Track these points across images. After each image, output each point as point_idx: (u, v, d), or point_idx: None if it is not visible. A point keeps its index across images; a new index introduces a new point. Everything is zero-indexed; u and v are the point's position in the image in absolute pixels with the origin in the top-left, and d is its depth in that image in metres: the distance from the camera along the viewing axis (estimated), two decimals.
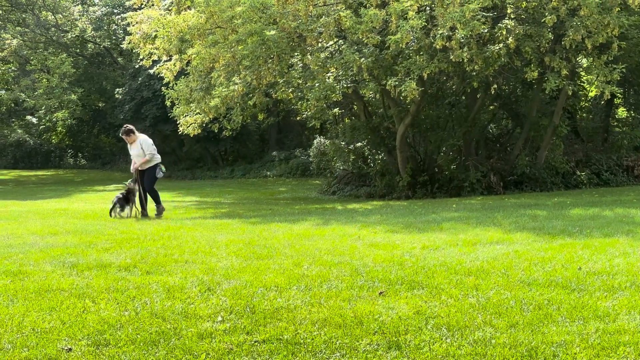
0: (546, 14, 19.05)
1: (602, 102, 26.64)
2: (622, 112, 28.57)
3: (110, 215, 16.89)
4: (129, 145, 17.58)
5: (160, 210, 17.54)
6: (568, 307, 6.72)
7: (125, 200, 17.09)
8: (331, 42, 20.73)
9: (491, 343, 5.73)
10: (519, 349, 5.56)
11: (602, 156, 25.65)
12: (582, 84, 24.87)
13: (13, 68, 42.67)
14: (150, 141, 17.53)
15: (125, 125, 17.94)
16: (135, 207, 17.32)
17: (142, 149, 17.30)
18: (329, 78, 20.74)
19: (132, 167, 17.52)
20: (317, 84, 20.79)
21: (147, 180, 17.44)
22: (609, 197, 19.30)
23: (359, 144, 25.88)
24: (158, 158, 17.70)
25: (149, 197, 17.59)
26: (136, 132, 17.67)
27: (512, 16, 19.01)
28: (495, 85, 22.58)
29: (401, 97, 20.62)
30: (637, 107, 27.65)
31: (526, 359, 5.32)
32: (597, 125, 27.96)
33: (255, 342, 5.93)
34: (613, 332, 5.90)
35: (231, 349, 5.77)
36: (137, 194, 17.29)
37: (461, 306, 6.88)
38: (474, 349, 5.61)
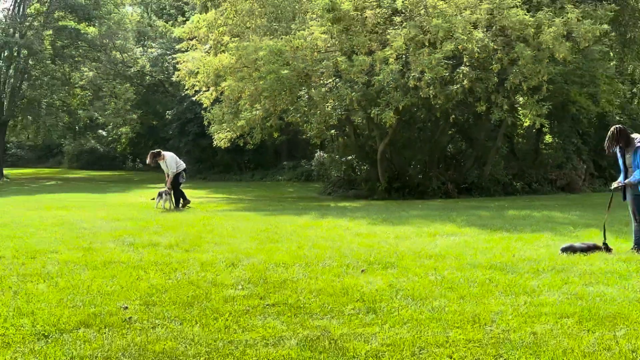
0: (493, 62, 19.07)
1: (534, 130, 26.59)
2: (548, 138, 28.51)
3: (155, 207, 16.72)
4: (161, 162, 17.22)
5: (179, 208, 17.13)
6: (504, 285, 6.73)
7: (161, 195, 16.80)
8: (330, 80, 20.74)
9: (445, 310, 5.74)
10: (466, 315, 5.57)
11: (533, 171, 25.62)
12: (518, 116, 24.82)
13: (89, 94, 42.66)
14: (173, 160, 17.30)
15: (151, 152, 17.68)
16: (172, 201, 17.00)
17: (170, 164, 17.10)
18: (327, 107, 20.76)
19: (167, 182, 17.19)
20: (318, 112, 20.86)
21: (176, 183, 17.24)
22: (537, 202, 19.31)
23: (349, 157, 25.86)
24: (182, 166, 17.50)
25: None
26: (162, 152, 17.45)
27: (467, 64, 19.01)
28: (454, 116, 22.63)
29: (382, 123, 20.59)
30: (559, 134, 27.60)
31: (471, 323, 5.33)
32: (529, 147, 27.94)
33: (266, 305, 5.95)
34: (537, 304, 5.91)
35: (248, 310, 5.78)
36: (171, 194, 16.98)
37: (423, 282, 6.89)
38: (432, 314, 5.62)
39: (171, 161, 17.22)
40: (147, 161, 17.59)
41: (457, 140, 26.75)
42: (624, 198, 9.15)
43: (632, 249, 8.84)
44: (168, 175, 17.17)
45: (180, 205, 17.19)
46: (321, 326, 5.26)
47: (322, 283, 6.83)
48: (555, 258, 8.28)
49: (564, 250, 8.64)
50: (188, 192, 18.33)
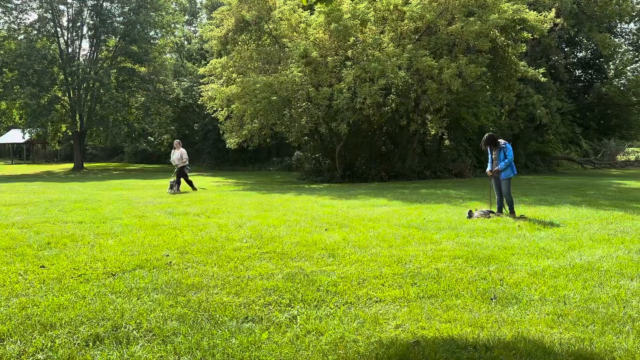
0: (411, 92, 19.17)
1: (437, 137, 26.82)
2: (447, 142, 28.78)
3: (168, 192, 14.71)
4: (173, 151, 15.67)
5: (193, 189, 15.55)
6: (418, 238, 6.81)
7: (174, 183, 15.01)
8: (304, 104, 20.64)
9: (380, 255, 5.79)
10: (393, 258, 5.61)
11: (437, 164, 25.81)
12: (428, 128, 25.01)
13: (141, 112, 41.96)
14: (181, 155, 15.66)
15: (175, 140, 16.56)
16: (178, 189, 15.01)
17: (181, 156, 15.67)
18: (302, 122, 20.69)
19: (176, 165, 15.36)
20: (296, 125, 20.75)
21: (184, 173, 15.72)
22: (439, 184, 19.50)
23: (317, 155, 25.84)
24: (187, 161, 15.87)
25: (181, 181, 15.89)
26: (180, 144, 16.08)
27: (394, 93, 19.08)
28: (385, 127, 22.70)
29: (338, 132, 20.59)
30: (454, 139, 27.83)
31: (396, 262, 5.39)
32: (434, 148, 28.15)
33: (262, 253, 5.94)
34: (439, 250, 6.00)
35: (250, 256, 5.76)
36: (179, 181, 15.42)
37: (365, 237, 6.95)
38: (371, 257, 5.66)
39: (179, 155, 15.64)
40: (175, 143, 16.10)
41: (387, 144, 26.84)
42: (491, 178, 9.34)
43: (496, 212, 9.06)
44: (176, 165, 15.55)
45: (195, 187, 15.81)
46: (298, 266, 5.28)
47: (299, 237, 6.85)
48: (450, 220, 8.41)
49: (470, 215, 8.61)
50: (210, 179, 18.11)
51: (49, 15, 36.99)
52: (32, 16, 66.44)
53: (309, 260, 5.55)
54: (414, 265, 5.24)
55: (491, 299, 4.09)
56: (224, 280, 4.70)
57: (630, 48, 36.07)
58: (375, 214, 9.27)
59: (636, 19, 34.04)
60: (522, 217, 8.65)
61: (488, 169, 9.32)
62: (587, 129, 34.78)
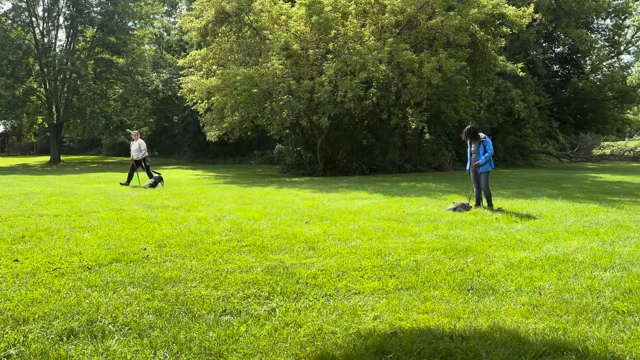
0: (392, 86, 19.23)
1: (418, 131, 26.98)
2: (427, 136, 28.96)
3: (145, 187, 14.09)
4: (132, 142, 14.92)
5: (150, 184, 14.11)
6: (397, 231, 6.86)
7: (157, 179, 14.25)
8: (285, 96, 20.54)
9: (359, 247, 5.81)
10: (372, 250, 5.64)
11: (417, 157, 26.01)
12: (408, 121, 25.12)
13: (119, 104, 41.29)
14: (139, 146, 14.80)
15: (132, 132, 15.78)
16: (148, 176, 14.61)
17: (140, 147, 14.78)
18: (283, 114, 20.59)
19: (133, 158, 14.66)
20: (277, 118, 20.65)
21: (143, 165, 14.94)
22: (420, 177, 19.66)
23: (298, 148, 25.80)
24: (146, 152, 14.94)
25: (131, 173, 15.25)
26: (139, 136, 15.15)
27: (375, 86, 19.11)
28: (366, 121, 22.76)
29: (320, 125, 20.55)
30: (434, 133, 28.06)
31: (376, 255, 5.41)
32: (415, 141, 28.33)
33: (242, 246, 5.91)
34: (418, 242, 6.04)
35: (229, 249, 5.72)
36: (132, 174, 14.91)
37: (345, 230, 6.96)
38: (351, 250, 5.67)
39: (137, 147, 14.85)
40: (132, 136, 15.23)
41: (369, 137, 26.93)
42: (469, 173, 9.42)
43: (474, 205, 9.17)
44: (135, 158, 14.83)
45: (151, 180, 14.34)
46: (278, 259, 5.26)
47: (279, 231, 6.83)
48: (430, 212, 8.48)
49: (452, 209, 8.65)
50: (190, 172, 17.93)
51: (23, 5, 36.05)
52: (7, 5, 64.60)
53: (289, 253, 5.54)
54: (393, 258, 5.27)
55: (468, 290, 4.14)
56: (203, 274, 4.66)
57: (607, 44, 36.75)
58: (356, 207, 9.31)
59: (612, 15, 34.69)
60: (499, 210, 8.77)
61: (467, 167, 9.40)
62: (564, 123, 35.39)
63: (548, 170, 25.04)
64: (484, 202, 9.28)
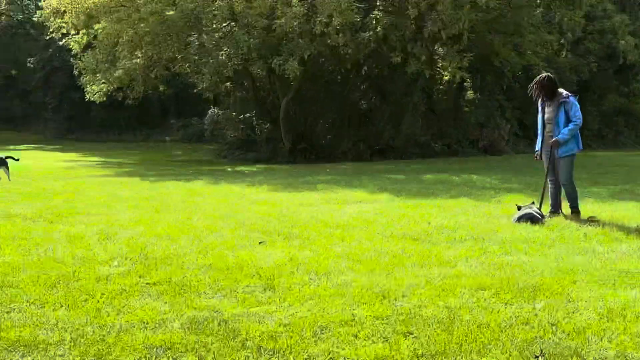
0: (409, 7, 19.27)
1: (454, 85, 27.18)
2: (470, 94, 29.21)
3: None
4: None
5: None
6: (417, 256, 6.84)
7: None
8: (224, 24, 20.41)
9: (351, 285, 5.77)
10: (374, 290, 5.62)
11: (453, 130, 26.23)
12: (437, 69, 25.25)
13: None
14: None
15: None
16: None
17: None
18: (221, 56, 20.45)
19: None
20: (211, 61, 20.51)
21: None
22: (457, 165, 19.83)
23: (248, 114, 25.71)
24: None
25: None
26: None
27: (381, 8, 19.16)
28: (366, 68, 22.81)
29: (285, 75, 20.51)
30: (482, 90, 28.31)
31: (379, 299, 5.39)
32: (449, 104, 28.55)
33: (147, 284, 5.84)
34: (452, 276, 6.04)
35: (124, 289, 5.65)
36: None
37: (328, 254, 6.92)
38: (337, 290, 5.64)
39: None
40: None
41: (369, 96, 27.03)
42: (539, 156, 9.50)
43: (550, 212, 9.27)
44: None
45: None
46: (210, 306, 5.20)
47: (213, 258, 6.75)
48: (473, 226, 8.49)
49: (516, 220, 8.70)
50: (59, 156, 17.79)
51: None
52: None
53: (230, 296, 5.49)
54: (409, 303, 5.25)
55: (536, 357, 4.17)
56: (77, 333, 4.59)
57: None
58: (347, 217, 9.23)
59: None
60: (591, 220, 8.86)
61: (538, 146, 9.46)
62: None
63: None
64: (566, 206, 9.36)
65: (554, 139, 9.14)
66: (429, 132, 25.72)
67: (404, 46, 20.59)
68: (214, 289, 5.70)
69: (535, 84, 9.21)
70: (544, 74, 9.34)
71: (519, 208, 9.02)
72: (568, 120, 9.11)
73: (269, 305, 5.26)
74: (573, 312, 5.03)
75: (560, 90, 9.32)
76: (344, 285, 5.78)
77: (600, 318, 4.91)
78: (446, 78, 24.60)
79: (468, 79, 25.55)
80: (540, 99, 9.31)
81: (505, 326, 4.76)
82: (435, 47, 22.42)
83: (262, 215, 9.45)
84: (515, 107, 28.34)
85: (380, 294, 5.53)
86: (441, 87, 28.35)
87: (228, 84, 24.18)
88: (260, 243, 7.51)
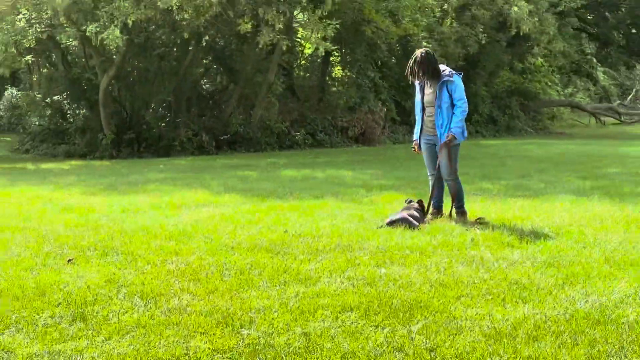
0: None
1: (319, 60, 27.48)
2: (337, 71, 29.52)
3: None
4: None
5: None
6: (270, 271, 6.88)
7: None
8: None
9: (187, 311, 5.75)
10: (216, 316, 5.61)
11: (318, 116, 26.45)
12: (298, 39, 25.46)
13: None
14: None
15: None
16: None
17: None
18: (19, 21, 19.82)
19: None
20: (5, 27, 19.83)
21: None
22: (323, 158, 20.04)
23: (57, 97, 25.12)
24: None
25: None
26: None
27: None
28: (207, 37, 22.70)
29: (104, 46, 20.10)
30: (352, 66, 28.63)
31: (221, 326, 5.37)
32: (313, 83, 28.80)
33: None
34: (313, 295, 6.10)
35: None
36: None
37: (158, 273, 6.88)
38: (168, 318, 5.59)
39: None
40: None
41: (214, 73, 26.98)
42: (417, 148, 9.75)
43: (431, 213, 9.56)
44: None
45: None
46: None
47: (6, 282, 6.61)
48: (340, 232, 8.60)
49: (390, 223, 8.91)
50: None
51: None
52: None
53: (27, 330, 5.38)
54: (259, 330, 5.29)
55: None
56: None
57: None
58: (184, 225, 9.27)
59: None
60: (479, 222, 9.17)
61: (416, 135, 9.69)
62: (607, 45, 37.73)
63: (575, 141, 26.92)
64: (449, 206, 9.63)
65: (447, 134, 9.33)
66: (288, 118, 25.88)
67: (255, 11, 20.60)
68: (4, 322, 5.52)
69: (412, 64, 9.28)
70: (423, 50, 9.48)
71: (409, 202, 9.22)
72: (452, 103, 9.34)
73: (78, 340, 5.17)
74: (456, 334, 5.18)
75: (442, 67, 9.55)
76: (176, 312, 5.75)
77: (487, 340, 5.07)
78: (308, 51, 24.83)
79: (335, 53, 25.91)
80: (419, 80, 9.45)
81: (375, 355, 4.83)
82: (294, 13, 22.57)
83: (74, 226, 9.29)
84: (392, 86, 28.92)
85: (222, 320, 5.53)
86: (302, 62, 28.63)
87: (29, 57, 23.46)
88: (69, 261, 7.39)
